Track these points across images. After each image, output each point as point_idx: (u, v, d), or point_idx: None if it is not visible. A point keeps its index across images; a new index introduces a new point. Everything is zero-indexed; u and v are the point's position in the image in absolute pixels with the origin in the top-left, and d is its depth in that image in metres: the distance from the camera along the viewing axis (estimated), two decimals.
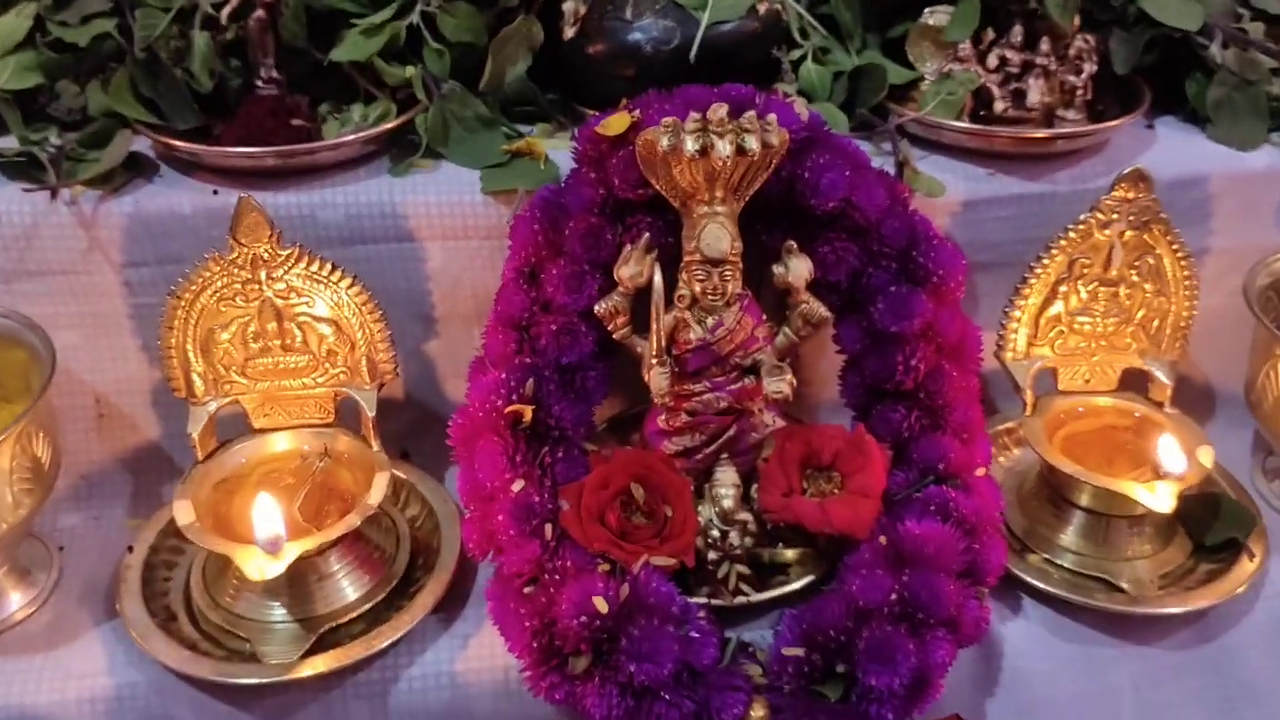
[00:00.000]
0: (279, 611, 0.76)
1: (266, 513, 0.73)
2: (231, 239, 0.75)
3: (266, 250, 0.76)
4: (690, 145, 0.70)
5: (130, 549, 0.79)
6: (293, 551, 0.72)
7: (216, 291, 0.77)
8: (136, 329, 0.83)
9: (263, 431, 0.81)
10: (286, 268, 0.77)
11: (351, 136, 0.84)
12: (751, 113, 0.71)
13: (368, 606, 0.77)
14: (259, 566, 0.71)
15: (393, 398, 0.87)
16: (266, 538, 0.72)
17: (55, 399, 0.79)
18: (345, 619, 0.76)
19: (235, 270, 0.76)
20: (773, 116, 0.72)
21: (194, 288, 0.77)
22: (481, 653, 0.75)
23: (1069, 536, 0.83)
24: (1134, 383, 0.88)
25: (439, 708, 0.75)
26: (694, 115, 0.71)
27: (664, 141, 0.70)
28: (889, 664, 0.69)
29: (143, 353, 0.83)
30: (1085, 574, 0.81)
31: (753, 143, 0.70)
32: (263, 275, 0.77)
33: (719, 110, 0.70)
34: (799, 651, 0.71)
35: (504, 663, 0.74)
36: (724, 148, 0.70)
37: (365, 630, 0.75)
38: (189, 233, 0.80)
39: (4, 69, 0.84)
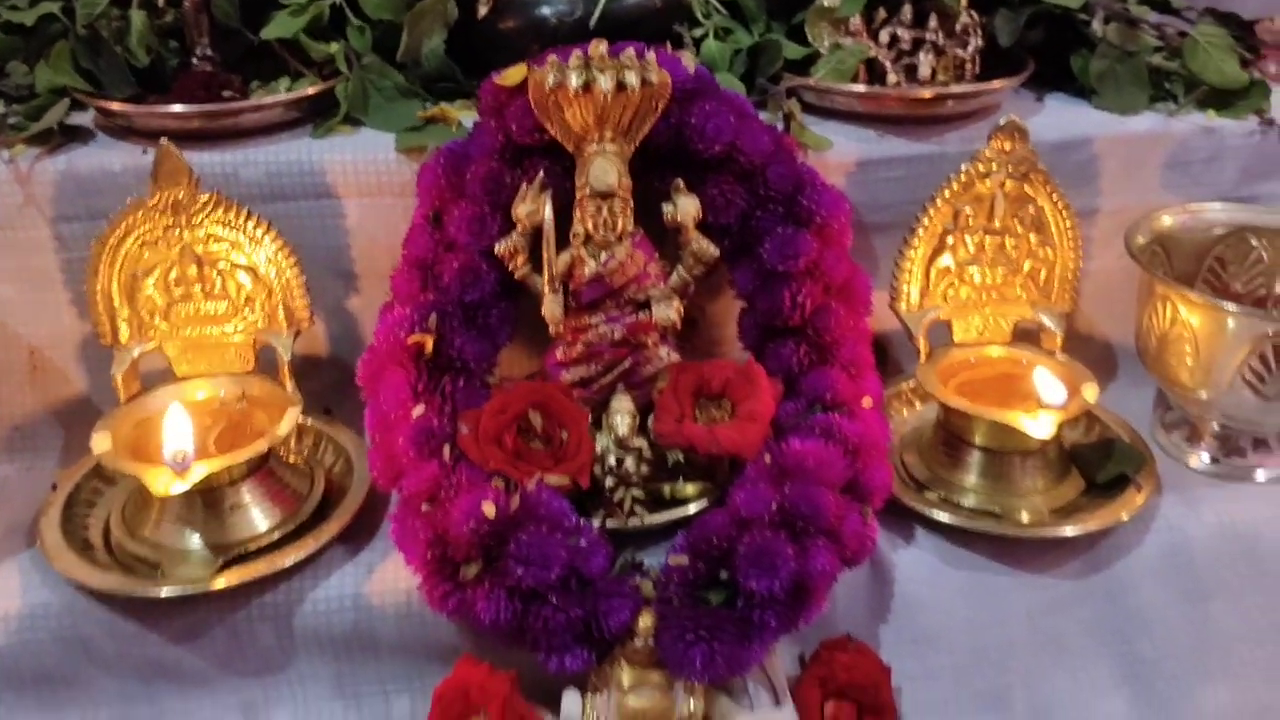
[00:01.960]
0: (194, 539, 0.78)
1: (177, 428, 0.77)
2: (152, 183, 0.80)
3: (185, 195, 0.80)
4: (574, 80, 0.75)
5: (54, 487, 0.83)
6: (199, 470, 0.75)
7: (139, 237, 0.81)
8: (68, 283, 0.87)
9: (184, 379, 0.85)
10: (205, 213, 0.81)
11: (273, 99, 0.89)
12: (631, 50, 0.76)
13: (277, 536, 0.79)
14: (165, 483, 0.74)
15: (314, 355, 0.91)
16: (174, 451, 0.75)
17: None
18: (254, 547, 0.78)
19: (156, 216, 0.81)
20: (652, 56, 0.77)
21: (118, 233, 0.81)
22: (385, 578, 0.78)
23: (967, 477, 0.85)
24: (1028, 338, 0.92)
25: (343, 630, 0.77)
26: (576, 53, 0.76)
27: (550, 79, 0.75)
28: (768, 569, 0.71)
29: (74, 306, 0.88)
30: (981, 510, 0.84)
31: (632, 78, 0.75)
32: (182, 221, 0.81)
33: (599, 46, 0.76)
34: (684, 560, 0.74)
35: (406, 586, 0.77)
36: (605, 82, 0.75)
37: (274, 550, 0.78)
38: (119, 190, 0.84)
39: None
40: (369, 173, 0.87)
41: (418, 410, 0.77)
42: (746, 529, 0.73)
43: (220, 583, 0.75)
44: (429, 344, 0.78)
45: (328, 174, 0.87)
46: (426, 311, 0.80)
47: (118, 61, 0.88)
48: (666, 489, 0.82)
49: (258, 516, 0.80)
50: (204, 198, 0.81)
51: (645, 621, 0.73)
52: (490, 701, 0.73)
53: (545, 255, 0.78)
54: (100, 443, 0.78)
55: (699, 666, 0.72)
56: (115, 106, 0.87)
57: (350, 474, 0.84)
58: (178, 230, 0.81)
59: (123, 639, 0.76)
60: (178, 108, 0.87)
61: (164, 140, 0.80)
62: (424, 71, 0.93)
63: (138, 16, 0.89)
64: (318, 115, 0.91)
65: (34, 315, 0.87)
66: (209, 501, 0.78)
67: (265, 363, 0.85)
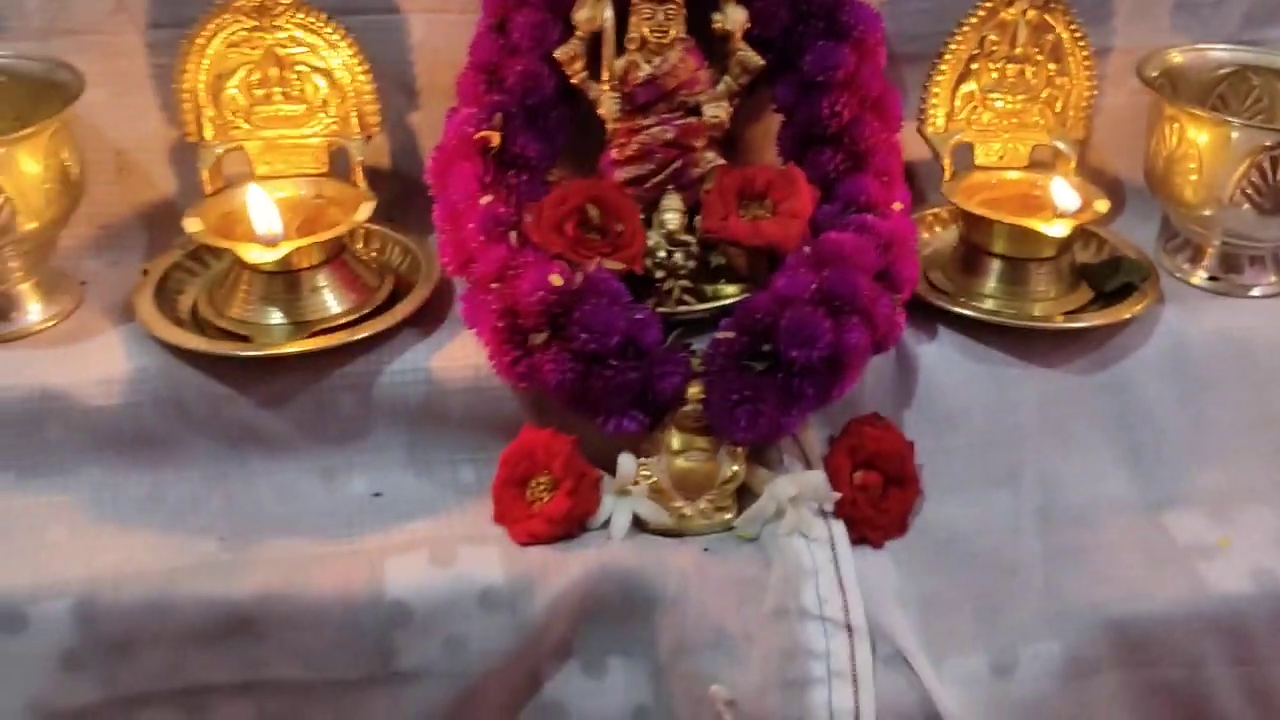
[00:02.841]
0: (277, 315, 0.85)
1: (264, 209, 0.84)
2: None
3: (281, 4, 0.87)
4: None
5: (145, 273, 0.89)
6: (287, 246, 0.82)
7: (225, 38, 0.88)
8: (156, 88, 0.93)
9: (264, 178, 0.91)
10: (287, 17, 0.87)
11: None
12: None
13: (354, 317, 0.86)
14: (258, 255, 0.82)
15: (378, 167, 0.97)
16: (265, 231, 0.82)
17: (84, 152, 0.89)
18: (333, 324, 0.86)
19: (242, 18, 0.87)
20: None
21: (206, 34, 0.87)
22: (455, 355, 0.85)
23: (986, 284, 0.92)
24: (1044, 169, 0.98)
25: (415, 402, 0.84)
26: None
27: None
28: (807, 341, 0.79)
29: (160, 110, 0.93)
30: (999, 312, 0.91)
31: None
32: (266, 24, 0.87)
33: None
34: (729, 334, 0.81)
35: (475, 362, 0.84)
36: None
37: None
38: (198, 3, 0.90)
39: None
40: None
41: (486, 199, 0.84)
42: (787, 306, 0.80)
43: (304, 346, 0.82)
44: (496, 139, 0.85)
45: None
46: (492, 112, 0.86)
47: None
48: (709, 290, 0.89)
49: (334, 301, 0.87)
50: (286, 1, 0.87)
51: (694, 389, 0.80)
52: (554, 459, 0.81)
53: (604, 57, 0.84)
54: (192, 225, 0.85)
55: (743, 427, 0.79)
56: None
57: (416, 271, 0.91)
58: (261, 33, 0.88)
59: (216, 402, 0.83)
60: None
61: None
62: None
63: None
64: None
65: (122, 119, 0.93)
66: (290, 284, 0.85)
67: (337, 168, 0.92)
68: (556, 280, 0.79)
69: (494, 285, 0.81)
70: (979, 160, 0.98)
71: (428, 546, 0.79)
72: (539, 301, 0.78)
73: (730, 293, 0.88)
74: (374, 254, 0.93)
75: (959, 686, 0.76)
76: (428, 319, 0.87)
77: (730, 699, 0.74)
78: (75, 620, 0.74)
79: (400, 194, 0.98)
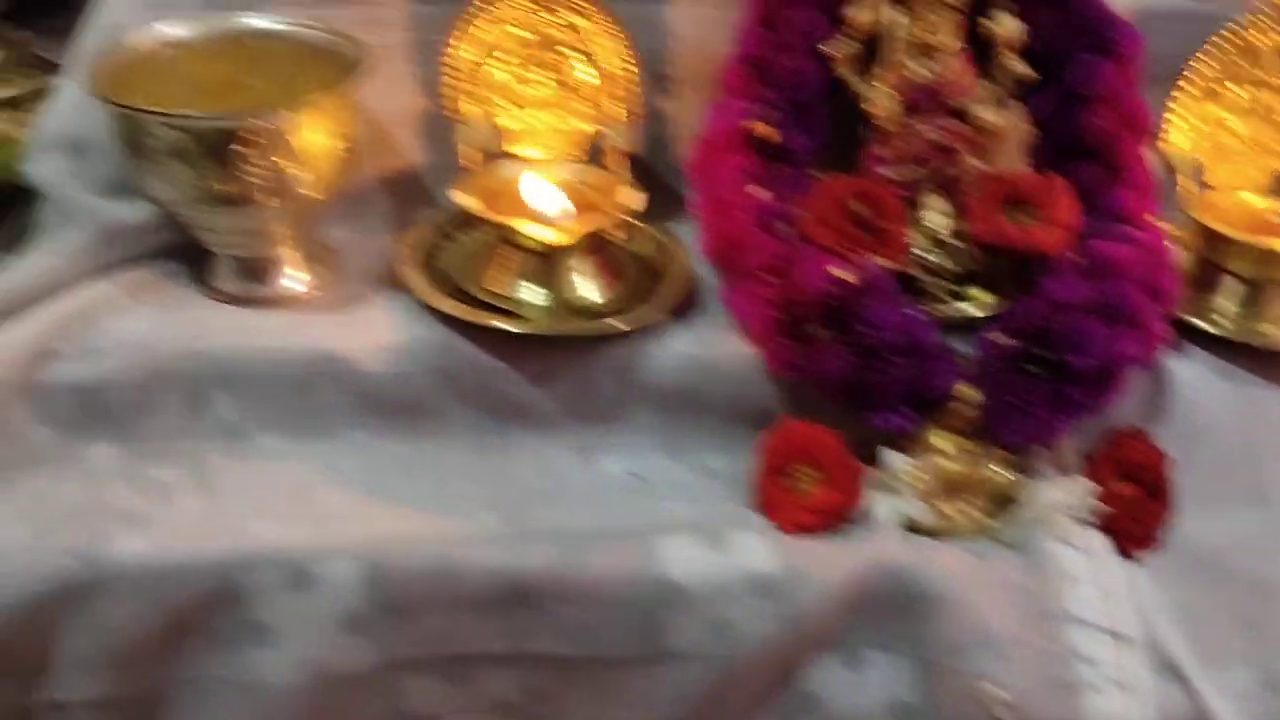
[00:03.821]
0: (533, 292, 0.86)
1: (542, 190, 0.85)
2: None
3: None
4: None
5: (395, 244, 0.90)
6: (573, 228, 0.83)
7: (497, 17, 0.89)
8: (417, 61, 0.93)
9: (520, 159, 0.92)
10: (568, 6, 0.88)
11: None
12: None
13: (615, 303, 0.87)
14: (543, 233, 0.83)
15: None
16: (555, 210, 0.84)
17: None
18: (593, 307, 0.87)
19: (524, 3, 0.88)
20: None
21: (480, 11, 0.88)
22: (713, 344, 0.85)
23: (1225, 303, 0.93)
24: None
25: (672, 388, 0.85)
26: None
27: None
28: (1082, 348, 0.79)
29: (418, 84, 0.94)
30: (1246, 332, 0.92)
31: None
32: (540, 6, 0.89)
33: None
34: (1001, 336, 0.82)
35: (733, 351, 0.84)
36: None
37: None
38: None
39: None
40: None
41: (757, 190, 0.85)
42: (1062, 312, 0.81)
43: (569, 329, 0.84)
44: (766, 133, 0.86)
45: None
46: (760, 105, 0.87)
47: None
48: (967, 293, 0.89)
49: (592, 282, 0.87)
50: None
51: (966, 389, 0.81)
52: (821, 452, 0.81)
53: (882, 58, 0.85)
54: (465, 199, 0.86)
55: (1017, 431, 0.80)
56: None
57: (665, 258, 0.91)
58: (536, 15, 0.89)
59: (484, 374, 0.84)
60: None
61: None
62: None
63: None
64: None
65: (378, 90, 0.92)
66: (551, 264, 0.86)
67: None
68: (844, 275, 0.80)
69: (767, 276, 0.83)
70: (1213, 181, 0.98)
71: (695, 530, 0.80)
72: (822, 295, 0.79)
73: (980, 296, 0.89)
74: (622, 239, 0.94)
75: (1230, 700, 0.77)
76: (686, 306, 0.88)
77: (1006, 699, 0.75)
78: (362, 582, 0.75)
79: (645, 182, 0.99)
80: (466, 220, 0.91)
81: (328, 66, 0.86)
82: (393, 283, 0.88)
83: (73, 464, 0.79)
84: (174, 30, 0.86)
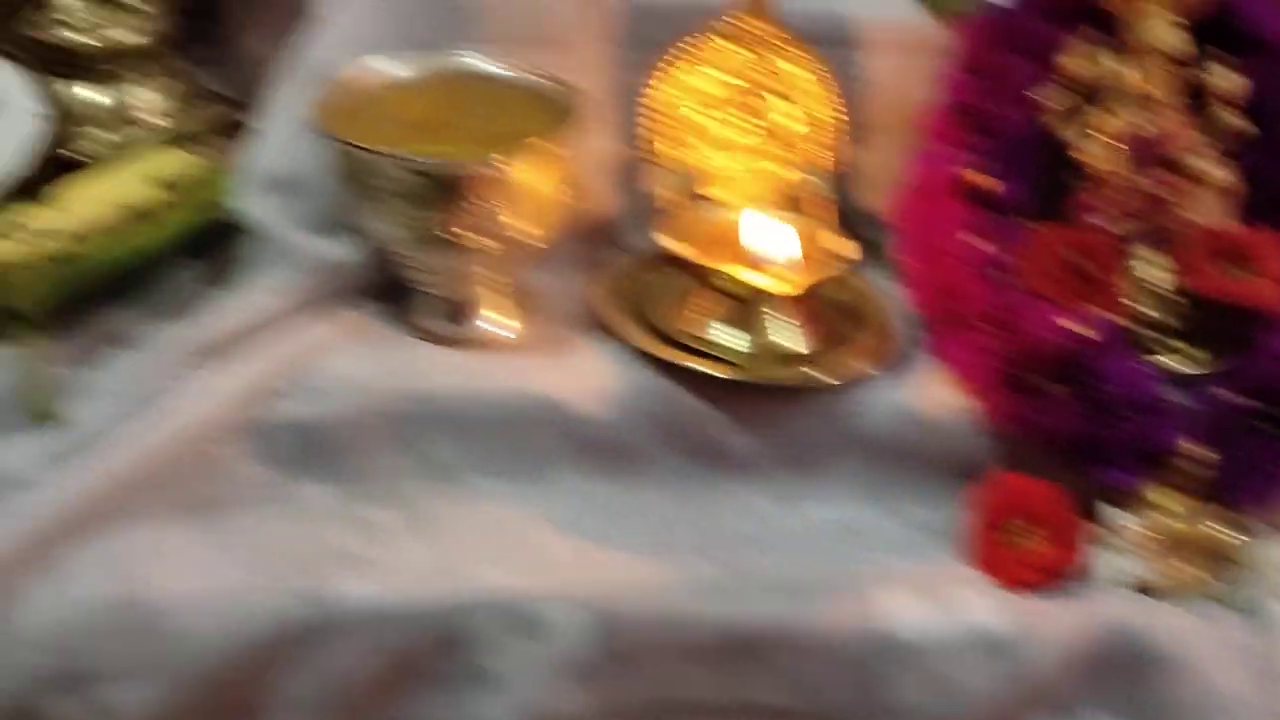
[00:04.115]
0: (733, 337, 0.85)
1: (771, 237, 0.84)
2: (734, 17, 0.87)
3: (761, 29, 0.88)
4: None
5: (591, 287, 0.90)
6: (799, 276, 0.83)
7: (707, 62, 0.89)
8: (615, 104, 0.93)
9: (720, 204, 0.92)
10: (776, 47, 0.88)
11: None
12: None
13: (817, 347, 0.86)
14: (768, 282, 0.82)
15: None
16: (779, 257, 0.83)
17: None
18: (796, 353, 0.85)
19: (730, 44, 0.88)
20: None
21: (686, 58, 0.89)
22: (920, 393, 0.84)
23: None
24: None
25: (879, 435, 0.84)
26: None
27: None
28: None
29: (613, 126, 0.94)
30: None
31: None
32: (751, 53, 0.88)
33: None
34: (1228, 394, 0.80)
35: (941, 401, 0.83)
36: None
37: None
38: (673, 22, 0.91)
39: None
40: (890, 28, 0.94)
41: (974, 240, 0.84)
42: None
43: (774, 377, 0.83)
44: (984, 182, 0.85)
45: (847, 25, 0.94)
46: (972, 153, 0.87)
47: None
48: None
49: (794, 330, 0.86)
50: (778, 34, 0.88)
51: (1195, 447, 0.79)
52: (1043, 508, 0.80)
53: (1099, 108, 0.85)
54: (670, 242, 0.86)
55: (1245, 490, 0.79)
56: None
57: (865, 305, 0.90)
58: (744, 61, 0.88)
59: (691, 418, 0.83)
60: None
61: None
62: None
63: None
64: None
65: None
66: (748, 311, 0.85)
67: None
68: (1073, 327, 0.79)
69: (987, 327, 0.82)
70: None
71: (912, 583, 0.79)
72: (1054, 347, 0.78)
73: (1190, 351, 0.87)
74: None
75: None
76: (891, 353, 0.87)
77: None
78: (589, 629, 0.74)
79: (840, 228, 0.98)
80: (656, 262, 0.91)
81: (538, 111, 0.85)
82: (594, 325, 0.87)
83: (289, 503, 0.79)
84: (388, 68, 0.86)
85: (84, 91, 1.00)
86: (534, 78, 0.87)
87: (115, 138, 0.99)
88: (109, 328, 0.82)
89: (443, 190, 0.78)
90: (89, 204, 0.82)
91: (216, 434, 0.78)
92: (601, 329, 0.87)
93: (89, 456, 0.75)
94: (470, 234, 0.80)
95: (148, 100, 1.02)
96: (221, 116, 1.05)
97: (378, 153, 0.78)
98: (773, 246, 0.84)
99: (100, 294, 0.83)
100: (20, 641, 0.70)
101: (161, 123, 1.01)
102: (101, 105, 0.99)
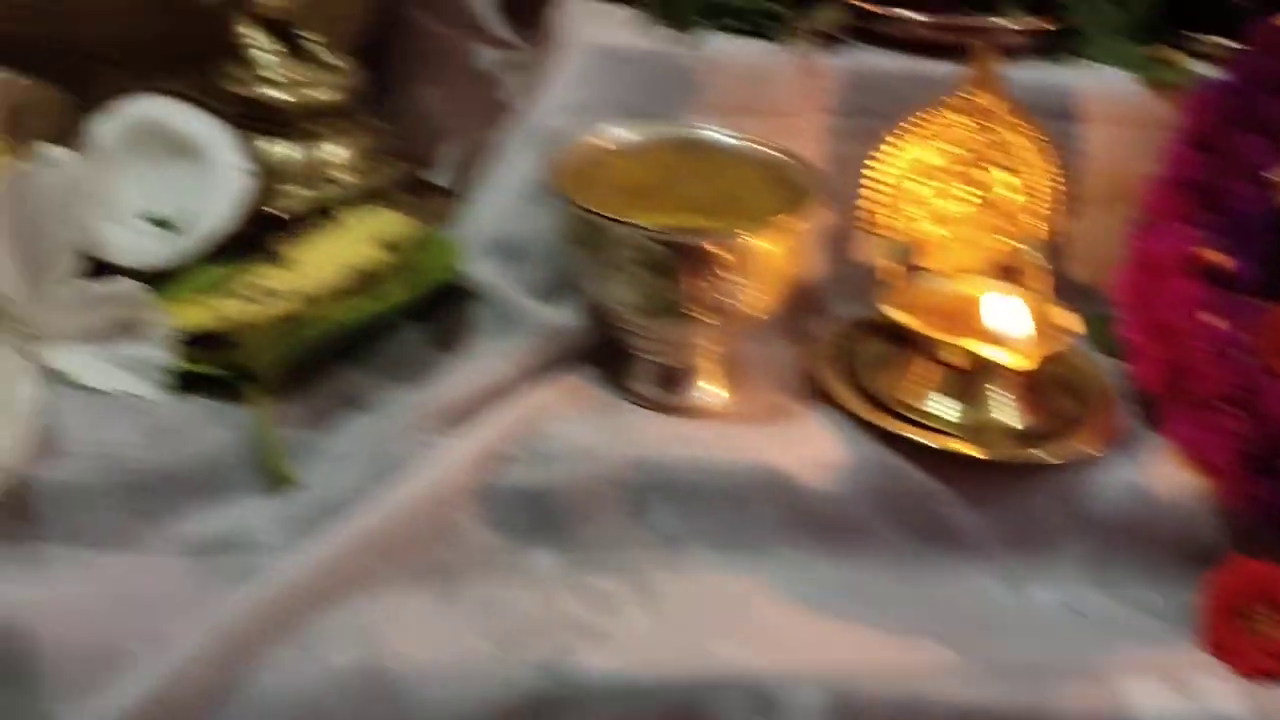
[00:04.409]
0: (956, 410, 0.83)
1: (1008, 312, 0.83)
2: (965, 90, 0.87)
3: (989, 102, 0.87)
4: None
5: (806, 355, 0.89)
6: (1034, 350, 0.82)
7: (931, 134, 0.88)
8: (833, 174, 0.92)
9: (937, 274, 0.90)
10: (998, 121, 0.87)
11: (1018, 25, 0.94)
12: None
13: (1034, 420, 0.85)
14: (1003, 357, 0.81)
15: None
16: (1016, 332, 0.82)
17: None
18: (1019, 430, 0.84)
19: (958, 116, 0.87)
20: None
21: (913, 128, 0.88)
22: (1158, 474, 0.82)
23: None
24: None
25: (1108, 517, 0.82)
26: None
27: None
28: None
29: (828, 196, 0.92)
30: None
31: None
32: (977, 125, 0.87)
33: None
34: None
35: (1181, 483, 0.81)
36: None
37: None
38: (889, 93, 0.91)
39: None
40: (1110, 100, 0.93)
41: (1211, 318, 0.83)
42: None
43: (1008, 454, 0.81)
44: (1219, 261, 0.84)
45: (1068, 96, 0.93)
46: (1203, 230, 0.85)
47: None
48: None
49: (1014, 405, 0.85)
50: (1004, 105, 0.87)
51: None
52: None
53: None
54: (897, 315, 0.85)
55: None
56: (879, 9, 0.93)
57: (1084, 380, 0.88)
58: (969, 132, 0.88)
59: (917, 493, 0.82)
60: (925, 17, 0.93)
61: (977, 47, 0.86)
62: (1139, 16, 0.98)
63: None
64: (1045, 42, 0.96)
65: None
66: (969, 384, 0.84)
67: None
68: None
69: (1228, 407, 0.80)
70: None
71: (1152, 669, 0.76)
72: None
73: None
74: None
75: None
76: (1116, 432, 0.85)
77: None
78: (829, 711, 0.72)
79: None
80: (870, 331, 0.90)
81: (768, 183, 0.85)
82: (808, 393, 0.87)
83: (519, 570, 0.78)
84: (615, 133, 0.87)
85: (280, 147, 1.00)
86: (764, 149, 0.87)
87: (311, 194, 0.99)
88: (339, 389, 0.82)
89: (683, 261, 0.78)
90: (319, 265, 0.83)
91: (451, 500, 0.77)
92: (817, 398, 0.86)
93: (328, 522, 0.75)
94: (702, 305, 0.80)
95: (339, 156, 1.02)
96: (405, 172, 1.07)
97: (621, 222, 0.78)
98: (1005, 319, 0.83)
99: (329, 355, 0.83)
100: (265, 708, 0.70)
101: (352, 179, 1.02)
102: (297, 161, 1.00)
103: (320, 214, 0.95)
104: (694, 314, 0.80)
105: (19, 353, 0.75)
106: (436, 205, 1.03)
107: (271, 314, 0.80)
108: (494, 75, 1.18)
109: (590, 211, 0.79)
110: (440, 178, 1.10)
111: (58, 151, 0.79)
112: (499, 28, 1.19)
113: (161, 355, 0.76)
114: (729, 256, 0.78)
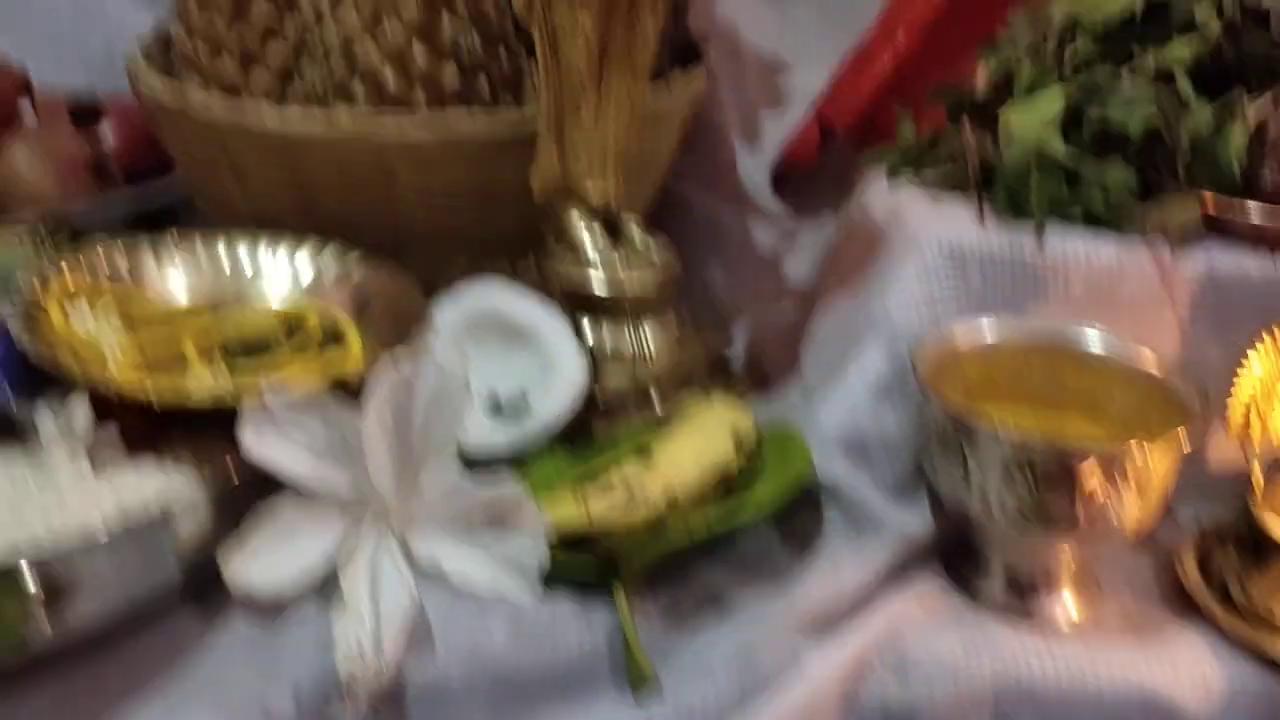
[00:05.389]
0: None
1: None
2: None
3: None
4: None
5: (1171, 565, 0.85)
6: None
7: None
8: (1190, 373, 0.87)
9: None
10: None
11: None
12: None
13: None
14: None
15: None
16: None
17: None
18: None
19: None
20: None
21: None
22: None
23: None
24: None
25: None
26: None
27: None
28: None
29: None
30: None
31: None
32: None
33: None
34: None
35: None
36: None
37: None
38: (1247, 290, 0.87)
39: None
40: None
41: None
42: None
43: None
44: None
45: None
46: None
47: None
48: None
49: None
50: None
51: None
52: None
53: None
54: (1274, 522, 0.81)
55: None
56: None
57: None
58: None
59: None
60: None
61: None
62: None
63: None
64: None
65: None
66: None
67: None
68: None
69: None
70: None
71: None
72: None
73: None
74: None
75: None
76: None
77: None
78: None
79: None
80: (1228, 537, 0.87)
81: (1141, 395, 0.83)
82: (1171, 605, 0.83)
83: None
84: (974, 330, 0.86)
85: (606, 331, 0.99)
86: (1121, 351, 0.85)
87: (633, 377, 0.99)
88: (699, 589, 0.81)
89: (1060, 471, 0.75)
90: (678, 463, 0.82)
91: (821, 713, 0.75)
92: (1180, 609, 0.82)
93: None
94: (1078, 516, 0.77)
95: (657, 338, 1.01)
96: (711, 352, 1.06)
97: (1003, 428, 0.76)
98: None
99: (690, 554, 0.82)
100: None
101: (667, 361, 1.02)
102: (623, 345, 0.99)
103: (642, 396, 0.95)
104: (1065, 524, 0.78)
105: (397, 549, 0.76)
106: (739, 387, 1.03)
107: (641, 516, 0.79)
108: (772, 251, 1.19)
109: (965, 415, 0.77)
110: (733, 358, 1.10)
111: (439, 348, 0.80)
112: (769, 201, 1.21)
113: (539, 556, 0.76)
114: (1121, 470, 0.76)
